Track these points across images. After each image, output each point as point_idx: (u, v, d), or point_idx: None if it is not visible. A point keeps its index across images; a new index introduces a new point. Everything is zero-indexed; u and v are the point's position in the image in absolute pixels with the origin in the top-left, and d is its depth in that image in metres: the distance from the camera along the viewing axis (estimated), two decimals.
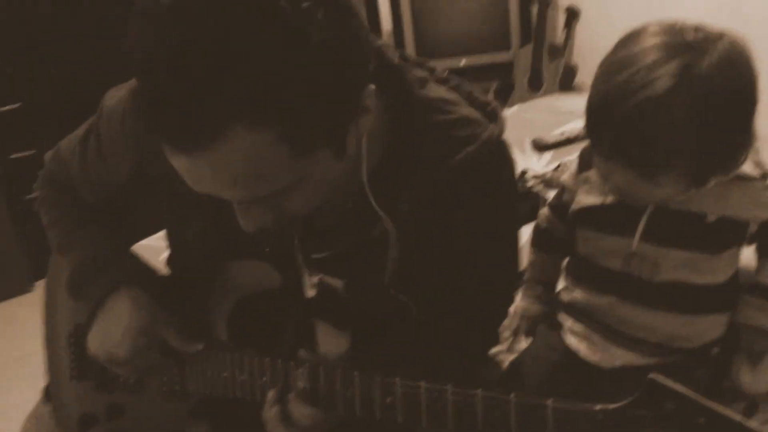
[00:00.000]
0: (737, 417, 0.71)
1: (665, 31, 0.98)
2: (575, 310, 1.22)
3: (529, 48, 3.80)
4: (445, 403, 0.90)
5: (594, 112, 1.01)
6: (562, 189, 1.27)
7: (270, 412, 1.05)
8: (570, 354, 1.22)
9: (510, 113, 2.77)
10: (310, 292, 1.12)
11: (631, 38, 1.01)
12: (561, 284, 1.31)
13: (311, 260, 1.11)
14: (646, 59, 0.96)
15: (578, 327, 1.21)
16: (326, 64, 0.78)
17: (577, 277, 1.23)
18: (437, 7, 3.87)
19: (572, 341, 1.22)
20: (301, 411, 1.02)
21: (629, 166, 1.00)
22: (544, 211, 1.32)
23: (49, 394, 1.41)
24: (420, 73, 1.05)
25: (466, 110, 1.04)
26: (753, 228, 1.11)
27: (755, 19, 2.57)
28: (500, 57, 3.93)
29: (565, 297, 1.25)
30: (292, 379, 1.04)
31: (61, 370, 1.35)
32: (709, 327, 1.14)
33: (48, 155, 1.30)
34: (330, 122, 0.84)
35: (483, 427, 0.87)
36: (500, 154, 1.05)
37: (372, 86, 0.89)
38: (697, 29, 0.98)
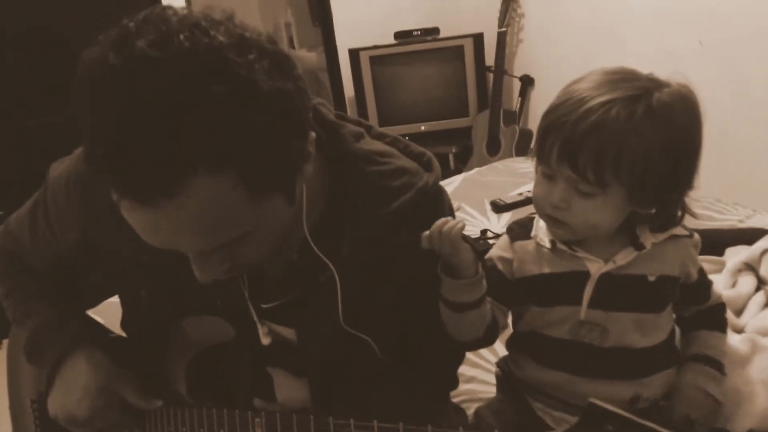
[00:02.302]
0: None
1: (624, 69, 1.04)
2: (529, 388, 1.20)
3: (486, 114, 3.91)
4: None
5: (549, 116, 1.02)
6: (494, 270, 1.19)
7: None
8: (536, 417, 1.20)
9: (470, 176, 2.82)
10: (265, 341, 1.12)
11: (598, 69, 1.05)
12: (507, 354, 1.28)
13: (262, 310, 1.12)
14: (608, 77, 1.01)
15: (537, 404, 1.19)
16: (276, 108, 0.81)
17: (524, 353, 1.21)
18: (398, 75, 3.99)
19: (537, 407, 1.20)
20: None
21: (575, 172, 0.99)
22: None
23: None
24: (355, 128, 1.08)
25: (402, 161, 1.07)
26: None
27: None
28: (459, 123, 4.05)
29: (516, 373, 1.23)
30: (251, 429, 1.04)
31: None
32: (658, 386, 1.14)
33: None
34: (283, 165, 0.86)
35: None
36: (436, 200, 1.09)
37: (313, 133, 0.92)
38: (649, 74, 1.03)
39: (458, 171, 3.27)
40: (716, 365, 1.17)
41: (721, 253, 1.80)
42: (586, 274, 1.09)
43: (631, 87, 0.99)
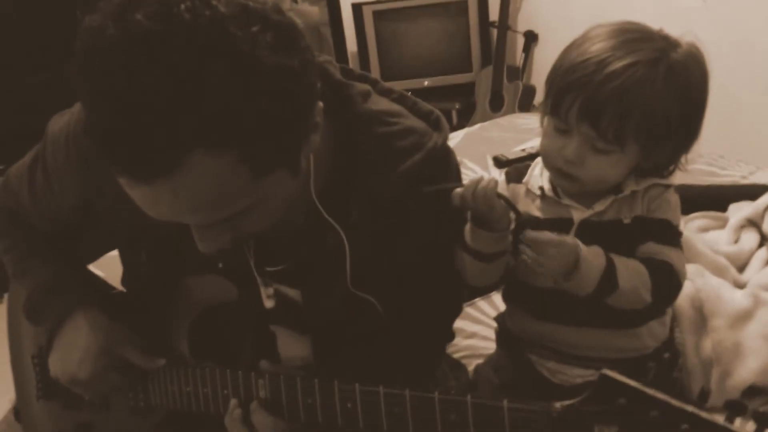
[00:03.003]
0: (689, 408, 0.73)
1: (635, 23, 1.05)
2: (524, 341, 1.21)
3: (489, 70, 3.88)
4: (404, 407, 0.91)
5: (568, 75, 1.02)
6: None
7: (232, 417, 1.05)
8: (534, 370, 1.21)
9: (472, 132, 2.81)
10: (269, 303, 1.12)
11: (605, 23, 1.05)
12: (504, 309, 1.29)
13: (266, 273, 1.12)
14: (625, 36, 1.01)
15: (532, 356, 1.20)
16: (279, 86, 0.78)
17: (516, 305, 1.23)
18: (401, 30, 3.96)
19: (533, 359, 1.22)
20: (262, 419, 1.02)
21: (596, 131, 1.00)
22: None
23: (18, 414, 1.41)
24: (362, 87, 1.06)
25: (410, 120, 1.06)
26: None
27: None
28: (462, 78, 4.02)
29: (511, 326, 1.25)
30: (254, 390, 1.04)
31: (28, 391, 1.34)
32: (649, 335, 1.16)
33: None
34: (286, 142, 0.84)
35: (443, 430, 0.89)
36: (445, 160, 1.08)
37: (321, 103, 0.90)
38: (659, 31, 1.05)
39: (461, 126, 3.26)
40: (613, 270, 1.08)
41: (724, 209, 1.81)
42: (570, 222, 1.11)
43: (649, 48, 1.00)
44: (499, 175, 1.18)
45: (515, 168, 1.22)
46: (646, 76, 0.98)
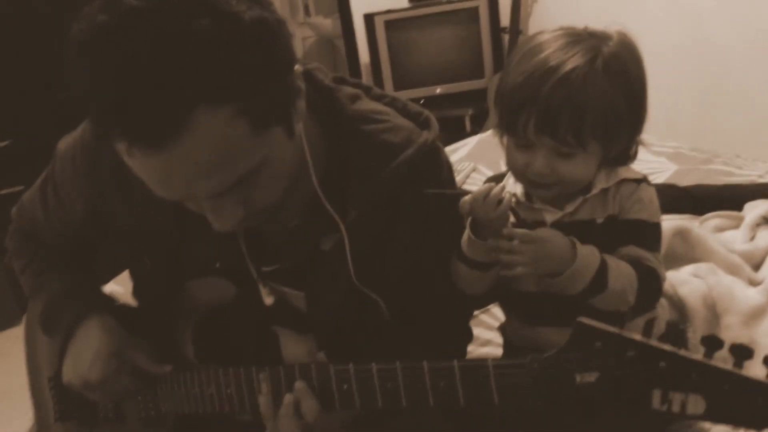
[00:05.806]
0: (666, 346, 0.74)
1: (562, 28, 1.10)
2: (523, 348, 1.21)
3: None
4: (396, 381, 0.93)
5: (516, 94, 1.06)
6: None
7: (281, 413, 1.03)
8: None
9: (486, 138, 2.83)
10: (268, 300, 1.14)
11: (533, 36, 1.10)
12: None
13: (263, 273, 1.14)
14: (556, 44, 1.06)
15: None
16: (261, 39, 0.84)
17: (508, 311, 1.25)
18: (413, 39, 3.98)
19: None
20: (308, 403, 1.01)
21: (555, 140, 1.04)
22: None
23: None
24: (351, 90, 1.10)
25: (399, 120, 1.09)
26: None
27: (719, 45, 2.70)
28: (474, 85, 4.03)
29: (509, 334, 1.26)
30: (256, 385, 1.07)
31: (46, 414, 1.37)
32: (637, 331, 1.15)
33: (14, 210, 1.34)
34: (277, 95, 0.89)
35: (433, 397, 0.91)
36: (436, 157, 1.11)
37: (299, 66, 0.94)
38: (587, 27, 1.10)
39: (474, 133, 3.28)
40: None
41: (740, 208, 1.81)
42: (543, 224, 1.13)
43: (582, 49, 1.05)
44: (513, 181, 1.19)
45: (493, 178, 1.24)
46: (587, 75, 1.02)
